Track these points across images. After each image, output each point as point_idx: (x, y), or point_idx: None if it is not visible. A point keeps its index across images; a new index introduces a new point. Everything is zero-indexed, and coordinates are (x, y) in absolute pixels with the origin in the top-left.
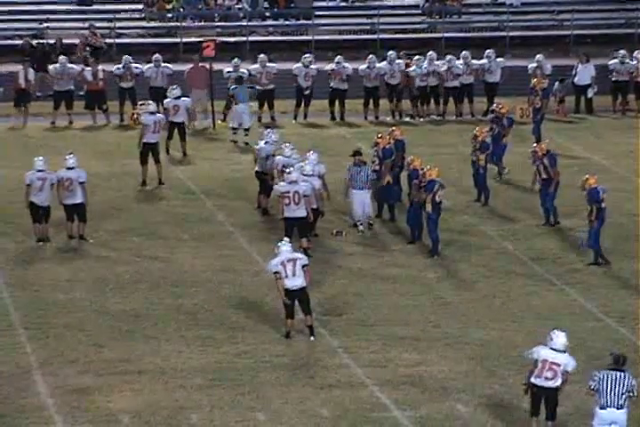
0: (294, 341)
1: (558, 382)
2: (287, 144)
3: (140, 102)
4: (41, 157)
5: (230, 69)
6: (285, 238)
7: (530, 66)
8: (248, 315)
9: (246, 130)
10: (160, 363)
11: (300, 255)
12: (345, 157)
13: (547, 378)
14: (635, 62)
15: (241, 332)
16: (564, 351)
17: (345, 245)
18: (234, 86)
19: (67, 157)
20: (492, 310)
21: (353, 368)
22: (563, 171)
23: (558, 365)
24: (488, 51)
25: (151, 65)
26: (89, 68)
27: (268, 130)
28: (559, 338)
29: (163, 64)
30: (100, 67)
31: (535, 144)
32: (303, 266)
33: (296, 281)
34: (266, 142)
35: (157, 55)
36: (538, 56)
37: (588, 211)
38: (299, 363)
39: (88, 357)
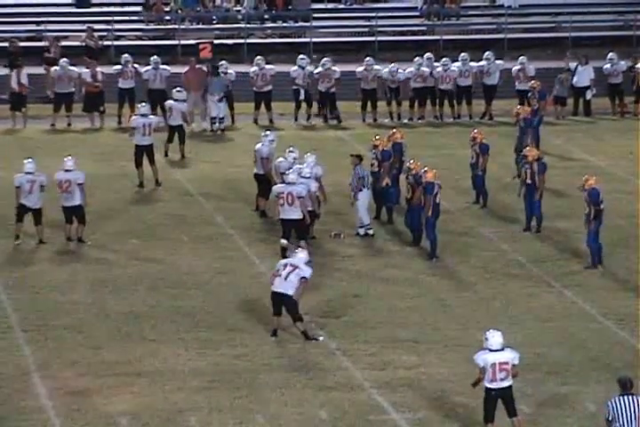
0: (292, 343)
1: (511, 380)
2: (291, 148)
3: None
4: (30, 160)
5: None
6: (283, 241)
7: (514, 68)
8: (247, 317)
9: (221, 119)
10: (158, 365)
11: (304, 267)
12: (343, 159)
13: (501, 379)
14: (624, 62)
15: (239, 334)
16: (504, 349)
17: (343, 247)
18: (209, 78)
19: (65, 159)
20: (490, 312)
21: (351, 370)
22: (561, 173)
23: (507, 363)
24: (487, 53)
25: (149, 67)
26: (87, 70)
27: (267, 132)
28: (494, 338)
29: (161, 66)
30: (98, 69)
31: (527, 148)
32: (302, 277)
33: (282, 285)
34: (263, 144)
35: (156, 57)
36: (521, 58)
37: (587, 211)
38: (297, 365)
39: (87, 359)
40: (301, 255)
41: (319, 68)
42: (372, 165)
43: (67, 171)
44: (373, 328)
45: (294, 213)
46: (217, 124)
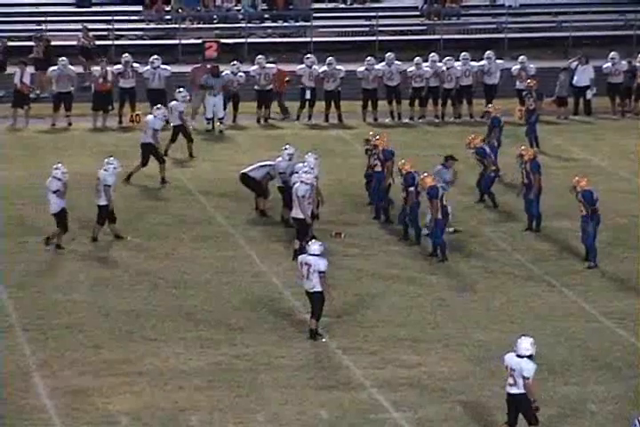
0: (293, 342)
1: (519, 390)
2: (287, 146)
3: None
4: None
5: (228, 72)
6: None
7: (514, 67)
8: (247, 316)
9: (220, 119)
10: (159, 364)
11: (315, 261)
12: (343, 159)
13: (510, 385)
14: (624, 62)
15: (240, 333)
16: (524, 356)
17: (344, 246)
18: (206, 77)
19: (106, 160)
20: (491, 312)
21: (352, 369)
22: (561, 172)
23: (514, 370)
24: (488, 52)
25: (149, 67)
26: (97, 68)
27: (287, 146)
28: (522, 343)
29: (161, 66)
30: (108, 67)
31: (522, 147)
32: (320, 272)
33: (308, 284)
34: (282, 158)
35: (155, 57)
36: (521, 57)
37: (584, 213)
38: (298, 364)
39: (87, 358)
40: (314, 247)
41: (324, 68)
42: (374, 165)
43: (105, 170)
44: (373, 327)
45: (295, 212)
46: (218, 125)
